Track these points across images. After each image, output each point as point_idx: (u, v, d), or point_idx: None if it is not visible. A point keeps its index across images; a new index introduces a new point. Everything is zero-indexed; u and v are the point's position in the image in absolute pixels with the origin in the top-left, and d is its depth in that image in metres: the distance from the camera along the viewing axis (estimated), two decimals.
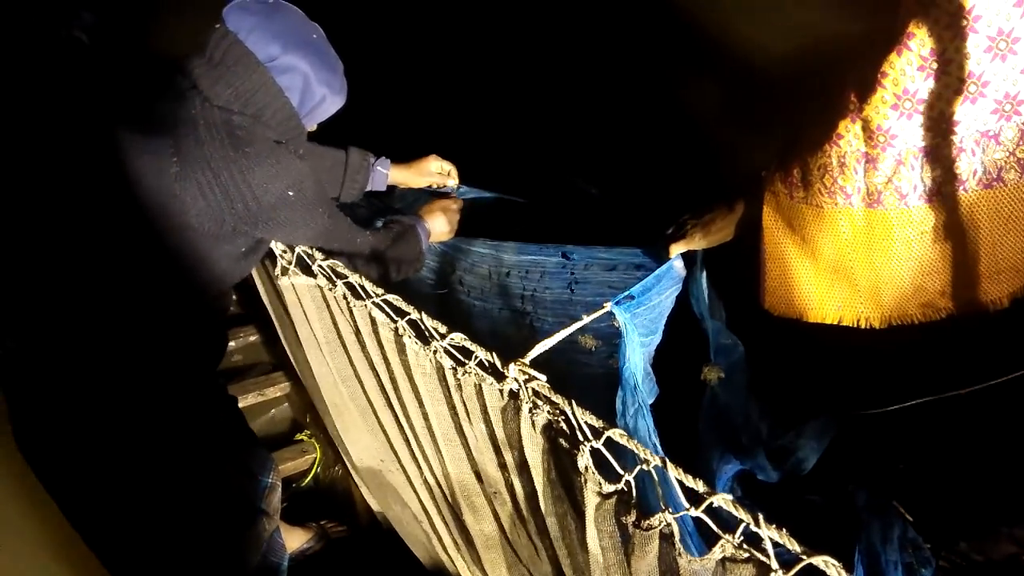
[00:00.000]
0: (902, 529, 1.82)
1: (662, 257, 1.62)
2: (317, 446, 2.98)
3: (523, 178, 2.26)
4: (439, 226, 2.13)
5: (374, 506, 2.56)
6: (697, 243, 1.61)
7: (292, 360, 2.34)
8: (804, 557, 0.86)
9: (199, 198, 1.49)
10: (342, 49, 1.68)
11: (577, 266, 2.02)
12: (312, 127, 1.73)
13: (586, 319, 1.34)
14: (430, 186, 2.38)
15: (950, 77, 1.17)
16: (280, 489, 2.13)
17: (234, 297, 1.89)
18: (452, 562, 1.95)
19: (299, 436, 3.05)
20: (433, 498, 1.77)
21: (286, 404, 3.27)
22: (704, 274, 1.70)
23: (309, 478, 2.95)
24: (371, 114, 2.39)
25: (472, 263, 2.33)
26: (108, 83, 1.56)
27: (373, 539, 2.64)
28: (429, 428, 1.47)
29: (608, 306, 1.40)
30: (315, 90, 1.60)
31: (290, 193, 1.57)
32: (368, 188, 2.24)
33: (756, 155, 1.60)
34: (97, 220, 1.51)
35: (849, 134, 1.30)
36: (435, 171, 2.34)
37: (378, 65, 2.94)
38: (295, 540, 2.49)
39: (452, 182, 2.37)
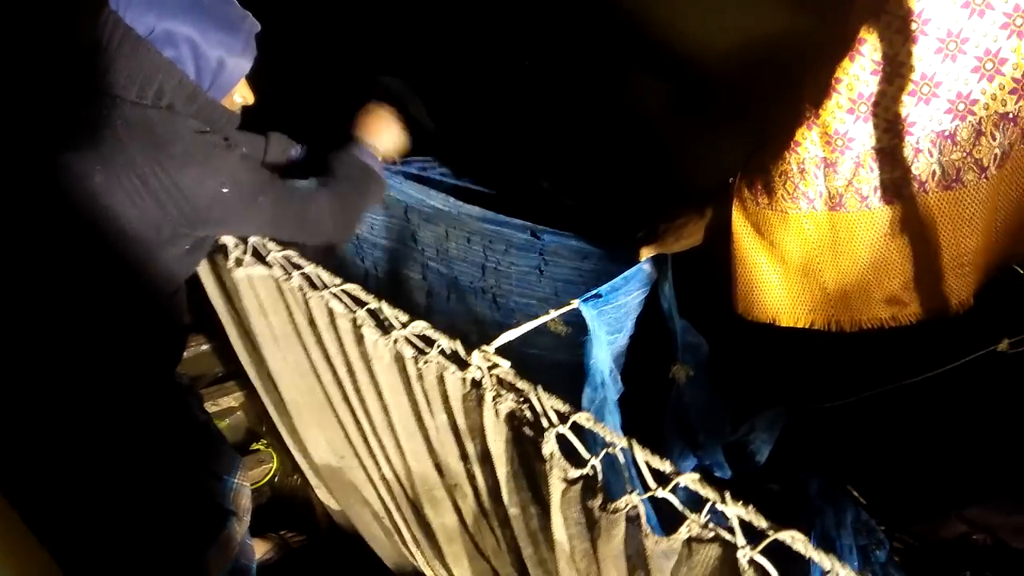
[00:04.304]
0: (856, 513, 1.87)
1: (632, 259, 1.63)
2: (275, 455, 2.94)
3: (488, 174, 2.22)
4: (386, 141, 1.94)
5: (335, 506, 2.53)
6: (668, 247, 1.62)
7: (244, 363, 2.27)
8: (770, 533, 0.87)
9: (129, 207, 1.41)
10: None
11: (547, 247, 1.96)
12: (224, 98, 1.56)
13: (553, 313, 1.34)
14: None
15: (903, 79, 1.19)
16: (249, 491, 2.09)
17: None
18: (413, 558, 1.93)
19: (256, 445, 3.01)
20: (392, 494, 1.75)
21: (240, 413, 3.21)
22: (669, 275, 1.71)
23: (263, 482, 2.90)
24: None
25: (427, 218, 2.19)
26: (23, 91, 1.47)
27: (333, 547, 2.61)
28: (389, 421, 1.45)
29: (575, 303, 1.40)
30: (208, 55, 1.44)
31: (224, 190, 1.48)
32: None
33: (727, 159, 1.62)
34: (35, 236, 1.44)
35: (806, 141, 1.32)
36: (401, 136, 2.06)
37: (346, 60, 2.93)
38: (255, 551, 2.45)
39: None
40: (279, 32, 1.71)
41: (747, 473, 1.99)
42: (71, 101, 1.42)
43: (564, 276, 1.95)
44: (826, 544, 1.79)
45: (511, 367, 1.14)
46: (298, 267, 1.48)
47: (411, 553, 1.94)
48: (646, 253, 1.63)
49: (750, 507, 0.89)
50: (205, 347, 3.40)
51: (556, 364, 1.88)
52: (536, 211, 1.99)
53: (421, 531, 1.75)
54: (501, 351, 1.18)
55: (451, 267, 2.21)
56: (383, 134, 1.94)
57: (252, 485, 2.81)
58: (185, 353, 3.24)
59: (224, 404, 3.16)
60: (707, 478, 1.92)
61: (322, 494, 2.57)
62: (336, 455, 2.03)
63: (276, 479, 2.94)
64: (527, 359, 1.93)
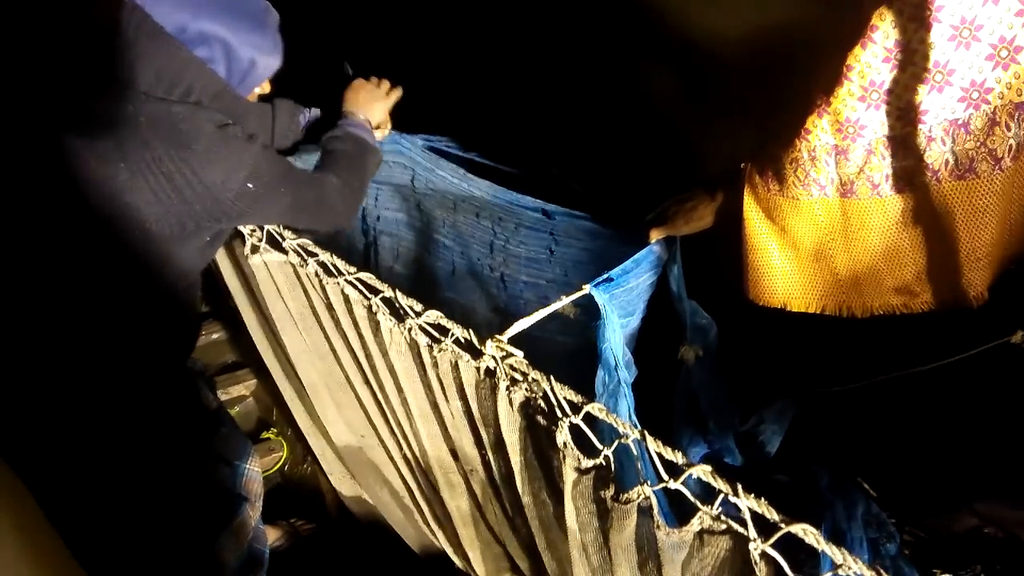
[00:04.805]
0: (866, 506, 1.86)
1: (642, 241, 1.63)
2: (284, 444, 2.96)
3: (498, 159, 2.21)
4: (376, 112, 1.94)
5: (350, 491, 2.54)
6: (678, 229, 1.62)
7: (260, 347, 2.28)
8: (783, 526, 0.87)
9: (154, 203, 1.40)
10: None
11: (558, 227, 1.95)
12: (251, 96, 1.58)
13: (564, 300, 1.34)
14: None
15: (916, 67, 1.19)
16: (260, 476, 2.10)
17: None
18: (435, 536, 1.94)
19: (266, 434, 3.02)
20: (413, 473, 1.76)
21: (251, 402, 3.23)
22: (678, 257, 1.71)
23: (273, 470, 2.92)
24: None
25: (435, 187, 2.18)
26: (43, 82, 1.41)
27: (343, 535, 2.63)
28: (405, 405, 1.45)
29: (587, 288, 1.40)
30: (240, 55, 1.44)
31: (249, 185, 1.47)
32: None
33: (737, 145, 1.61)
34: (56, 231, 1.43)
35: (817, 128, 1.32)
36: (388, 105, 2.05)
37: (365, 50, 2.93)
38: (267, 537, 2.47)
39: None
40: (293, 18, 1.70)
41: (757, 462, 1.99)
42: (93, 96, 1.39)
43: (574, 257, 1.95)
44: (836, 537, 1.77)
45: (524, 351, 1.14)
46: (313, 255, 1.48)
47: (432, 532, 1.95)
48: (656, 235, 1.63)
49: (762, 500, 0.89)
50: (216, 336, 3.42)
51: (564, 346, 1.88)
52: (546, 195, 1.97)
53: (440, 512, 1.76)
54: (514, 337, 1.19)
55: (458, 242, 2.20)
56: (371, 104, 1.95)
57: (262, 473, 2.84)
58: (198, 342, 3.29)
59: (234, 393, 3.18)
60: (718, 466, 1.94)
61: (335, 479, 2.59)
62: (356, 435, 2.04)
63: (286, 468, 2.95)
64: (535, 341, 1.94)
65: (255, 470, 2.08)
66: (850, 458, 2.00)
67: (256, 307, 1.98)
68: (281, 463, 2.94)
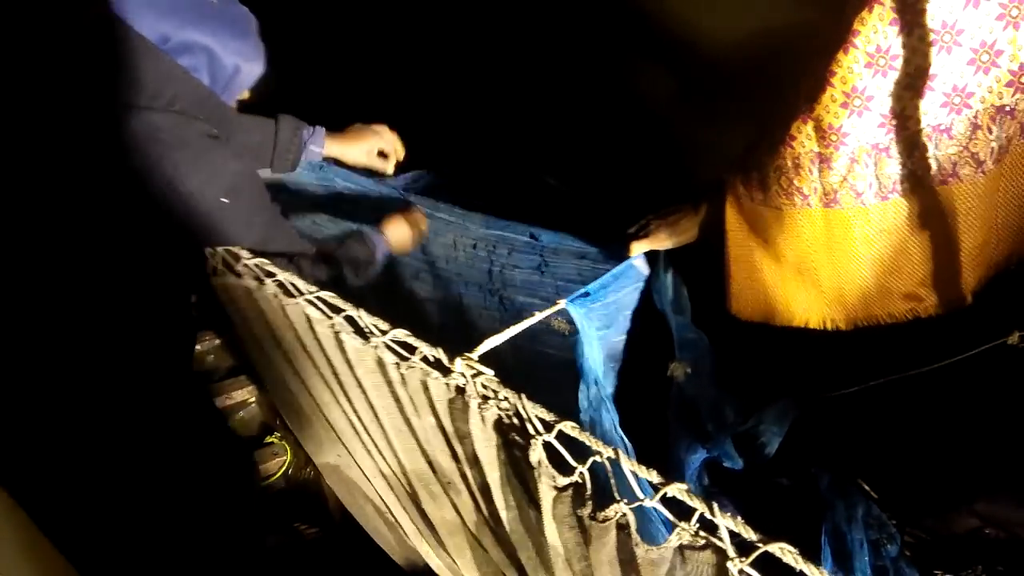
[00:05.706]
0: (866, 508, 1.85)
1: (624, 255, 1.63)
2: (288, 448, 2.96)
3: (491, 173, 2.24)
4: (398, 235, 2.00)
5: (341, 501, 2.55)
6: (660, 243, 1.62)
7: (251, 359, 2.29)
8: (760, 544, 0.86)
9: (132, 213, 1.41)
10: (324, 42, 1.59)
11: (546, 249, 2.02)
12: (233, 102, 1.59)
13: (538, 315, 1.34)
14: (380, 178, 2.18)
15: (898, 72, 1.18)
16: (258, 484, 2.12)
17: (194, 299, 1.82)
18: (418, 549, 1.93)
19: (269, 438, 3.02)
20: (391, 489, 1.75)
21: (255, 406, 3.22)
22: (670, 271, 1.71)
23: (278, 475, 2.92)
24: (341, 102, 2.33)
25: (436, 230, 2.28)
26: (21, 94, 1.41)
27: (347, 540, 2.63)
28: (378, 422, 1.43)
29: (562, 303, 1.40)
30: (224, 63, 1.46)
31: (224, 200, 1.47)
32: (302, 161, 2.02)
33: (721, 156, 1.60)
34: (38, 240, 1.44)
35: (801, 135, 1.31)
36: (376, 147, 2.09)
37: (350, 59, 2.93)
38: (267, 542, 2.48)
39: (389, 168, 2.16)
40: (286, 27, 1.70)
41: (756, 465, 1.98)
42: (73, 108, 1.39)
43: (564, 275, 1.99)
44: (838, 539, 1.78)
45: (495, 374, 1.13)
46: (271, 275, 1.44)
47: (417, 546, 1.94)
48: (637, 249, 1.62)
49: (738, 519, 0.88)
50: (219, 341, 3.42)
51: (566, 362, 1.89)
52: (541, 209, 2.02)
53: (423, 523, 1.74)
54: (506, 349, 1.18)
55: (460, 274, 2.27)
56: (404, 241, 2.02)
57: (266, 478, 2.85)
58: (200, 346, 3.30)
59: (238, 397, 3.17)
60: (718, 471, 1.93)
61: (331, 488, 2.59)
62: (333, 453, 2.04)
63: (290, 472, 2.95)
64: (539, 357, 1.97)
65: (250, 477, 2.09)
66: (850, 460, 1.99)
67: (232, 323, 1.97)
68: (285, 467, 2.94)
